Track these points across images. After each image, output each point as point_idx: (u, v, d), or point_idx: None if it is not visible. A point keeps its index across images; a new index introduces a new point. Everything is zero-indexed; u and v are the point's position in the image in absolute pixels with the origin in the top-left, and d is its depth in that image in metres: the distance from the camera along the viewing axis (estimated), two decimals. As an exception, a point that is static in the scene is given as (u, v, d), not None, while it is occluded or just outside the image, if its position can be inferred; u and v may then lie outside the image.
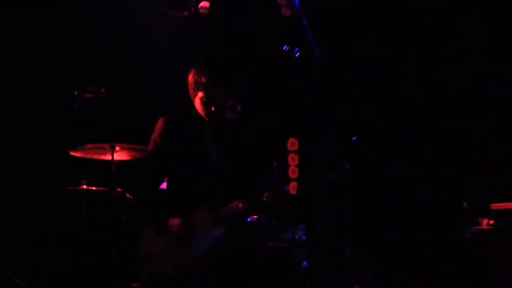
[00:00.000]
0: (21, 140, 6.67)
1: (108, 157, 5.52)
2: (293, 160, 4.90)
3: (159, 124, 5.10)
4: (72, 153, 5.64)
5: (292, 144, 4.90)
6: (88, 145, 5.54)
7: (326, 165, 5.64)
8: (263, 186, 4.89)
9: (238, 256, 5.00)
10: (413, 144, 6.75)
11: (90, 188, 5.94)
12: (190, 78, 5.09)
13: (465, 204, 6.12)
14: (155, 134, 5.08)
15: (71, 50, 6.77)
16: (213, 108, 5.02)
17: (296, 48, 5.10)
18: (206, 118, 5.08)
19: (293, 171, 4.87)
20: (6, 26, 6.63)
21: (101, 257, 5.78)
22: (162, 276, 4.81)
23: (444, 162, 6.60)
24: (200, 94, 5.04)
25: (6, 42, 6.61)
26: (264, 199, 4.87)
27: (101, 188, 5.93)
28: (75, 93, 5.50)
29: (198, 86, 5.03)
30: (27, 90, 6.70)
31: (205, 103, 5.02)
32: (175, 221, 4.87)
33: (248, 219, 6.02)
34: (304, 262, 5.87)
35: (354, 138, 5.58)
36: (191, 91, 5.09)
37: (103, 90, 5.57)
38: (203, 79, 5.00)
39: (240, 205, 4.90)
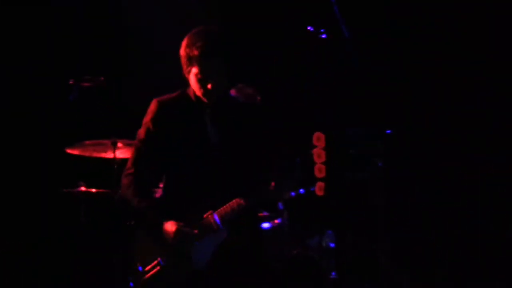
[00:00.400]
0: (14, 137, 6.48)
1: (109, 154, 5.41)
2: (319, 157, 4.47)
3: (152, 107, 4.52)
4: (69, 151, 5.50)
5: (318, 138, 4.47)
6: (87, 142, 5.42)
7: (356, 162, 5.33)
8: (272, 175, 4.42)
9: (246, 266, 4.46)
10: (450, 137, 6.49)
11: (89, 190, 5.70)
12: (182, 51, 4.47)
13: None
14: (147, 118, 4.51)
15: (71, 40, 6.60)
16: (209, 86, 4.40)
17: (323, 29, 4.76)
18: (203, 98, 4.49)
19: (319, 170, 4.45)
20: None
21: (101, 262, 5.72)
22: None
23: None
24: (194, 69, 4.42)
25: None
26: (271, 189, 4.41)
27: (102, 190, 5.72)
28: (70, 82, 5.23)
29: (190, 60, 4.41)
30: (18, 82, 6.48)
31: (200, 80, 4.39)
32: (170, 227, 4.34)
33: (269, 224, 5.77)
34: (333, 273, 5.59)
35: (388, 131, 5.22)
36: (184, 67, 4.48)
37: (101, 78, 5.31)
38: (195, 52, 4.37)
39: (242, 201, 4.38)
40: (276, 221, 5.85)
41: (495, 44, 6.29)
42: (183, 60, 4.40)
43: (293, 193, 5.32)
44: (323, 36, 4.81)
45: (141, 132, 4.46)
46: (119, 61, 6.50)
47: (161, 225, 4.38)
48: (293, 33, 5.69)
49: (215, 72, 4.36)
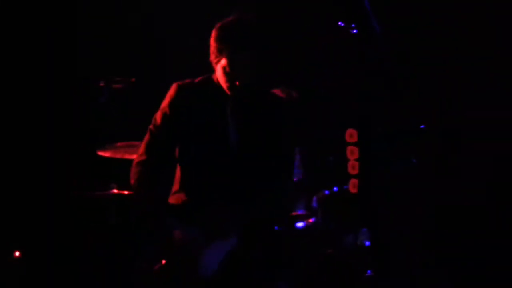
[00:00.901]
0: (45, 139, 6.38)
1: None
2: (352, 154, 4.52)
3: (171, 91, 4.29)
4: (100, 153, 5.43)
5: (351, 135, 4.52)
6: (118, 144, 5.38)
7: (389, 158, 5.15)
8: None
9: (259, 276, 4.27)
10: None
11: (121, 192, 5.59)
12: (212, 41, 4.21)
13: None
14: (165, 102, 4.27)
15: (100, 40, 6.51)
16: (237, 82, 4.18)
17: (354, 24, 4.72)
18: (228, 91, 4.25)
19: (353, 166, 4.52)
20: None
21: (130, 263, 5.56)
22: None
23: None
24: (222, 61, 4.16)
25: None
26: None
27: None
28: (101, 84, 5.23)
29: (220, 51, 4.15)
30: (48, 84, 6.36)
31: (228, 73, 4.15)
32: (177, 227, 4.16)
33: (303, 223, 5.61)
34: (368, 271, 5.44)
35: (422, 126, 5.14)
36: (212, 56, 4.22)
37: (133, 79, 5.30)
38: (226, 44, 4.12)
39: None
40: (310, 220, 5.68)
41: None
42: (212, 49, 4.17)
43: (327, 191, 5.49)
44: (354, 31, 4.75)
45: (157, 117, 4.24)
46: (150, 62, 6.40)
47: (168, 222, 4.16)
48: (324, 28, 5.57)
49: (245, 67, 4.13)
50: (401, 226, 5.61)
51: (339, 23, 4.71)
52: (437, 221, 6.00)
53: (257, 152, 4.26)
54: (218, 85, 4.23)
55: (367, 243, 5.54)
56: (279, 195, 4.32)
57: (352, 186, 4.51)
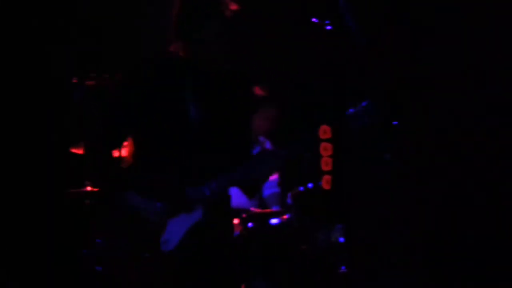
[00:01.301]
0: (22, 137, 6.43)
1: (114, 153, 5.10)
2: (325, 150, 4.45)
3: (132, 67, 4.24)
4: (74, 150, 5.41)
5: (324, 131, 4.45)
6: None
7: (363, 156, 5.44)
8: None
9: (217, 250, 4.26)
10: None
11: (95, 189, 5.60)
12: (180, 11, 4.18)
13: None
14: (123, 78, 4.23)
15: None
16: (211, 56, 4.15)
17: (327, 20, 4.67)
18: (193, 65, 4.18)
19: (326, 163, 4.43)
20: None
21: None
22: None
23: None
24: (196, 34, 4.11)
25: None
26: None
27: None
28: (74, 81, 5.20)
29: (193, 21, 4.12)
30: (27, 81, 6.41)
31: (204, 45, 4.11)
32: (139, 201, 4.11)
33: (276, 219, 5.76)
34: (342, 267, 5.59)
35: (395, 122, 5.05)
36: (179, 27, 4.19)
37: (107, 76, 5.25)
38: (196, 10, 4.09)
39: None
40: (285, 216, 5.81)
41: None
42: (180, 20, 4.17)
43: (301, 188, 5.61)
44: (328, 27, 4.78)
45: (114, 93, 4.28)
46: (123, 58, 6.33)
47: (127, 197, 4.13)
48: (298, 24, 5.66)
49: (218, 37, 4.13)
50: (375, 223, 5.71)
51: (313, 19, 4.67)
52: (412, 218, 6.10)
53: (218, 129, 4.23)
54: (177, 59, 4.20)
55: (341, 239, 5.67)
56: (241, 171, 4.28)
57: (326, 182, 4.40)
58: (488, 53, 6.20)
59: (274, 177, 6.25)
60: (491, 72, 6.24)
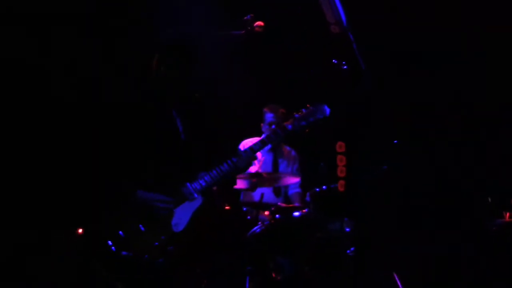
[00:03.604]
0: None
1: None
2: (341, 161, 5.08)
3: None
4: None
5: (340, 146, 5.11)
6: None
7: (369, 165, 5.71)
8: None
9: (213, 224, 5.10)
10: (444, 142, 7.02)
11: None
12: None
13: (489, 199, 6.54)
14: None
15: None
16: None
17: (344, 61, 5.25)
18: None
19: (341, 171, 5.06)
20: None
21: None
22: (142, 258, 4.82)
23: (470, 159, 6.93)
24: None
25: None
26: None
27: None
28: None
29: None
30: None
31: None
32: (150, 196, 4.85)
33: (298, 213, 6.24)
34: (348, 251, 6.00)
35: (395, 141, 5.92)
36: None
37: None
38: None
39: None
40: (304, 210, 6.37)
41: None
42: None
43: (317, 189, 6.14)
44: (344, 67, 5.22)
45: None
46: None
47: (140, 195, 4.78)
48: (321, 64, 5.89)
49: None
50: (379, 218, 6.04)
51: (333, 60, 5.25)
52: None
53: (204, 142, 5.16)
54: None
55: (348, 229, 6.15)
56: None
57: (340, 186, 4.99)
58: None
59: (297, 180, 6.75)
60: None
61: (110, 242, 4.81)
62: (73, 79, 6.33)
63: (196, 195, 4.98)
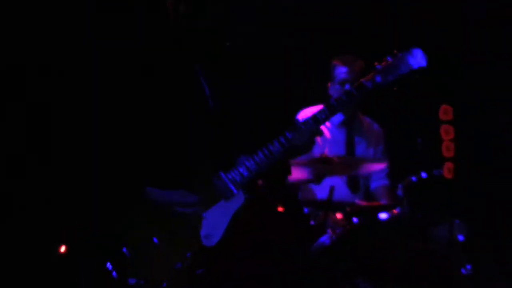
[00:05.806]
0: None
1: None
2: (447, 134, 4.44)
3: None
4: None
5: (446, 112, 4.42)
6: None
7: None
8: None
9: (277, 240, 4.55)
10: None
11: None
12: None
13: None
14: None
15: None
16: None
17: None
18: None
19: (448, 148, 4.44)
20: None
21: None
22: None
23: None
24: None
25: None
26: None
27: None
28: None
29: None
30: None
31: None
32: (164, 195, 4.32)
33: (386, 214, 5.51)
34: (462, 269, 5.30)
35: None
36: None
37: None
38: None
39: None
40: (395, 210, 5.57)
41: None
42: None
43: (414, 178, 5.44)
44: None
45: None
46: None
47: (151, 194, 4.21)
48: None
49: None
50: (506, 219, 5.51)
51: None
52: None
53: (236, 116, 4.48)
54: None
55: (461, 237, 5.41)
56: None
57: (447, 170, 4.47)
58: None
59: (382, 166, 6.10)
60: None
61: (109, 265, 4.39)
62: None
63: (235, 191, 4.33)
